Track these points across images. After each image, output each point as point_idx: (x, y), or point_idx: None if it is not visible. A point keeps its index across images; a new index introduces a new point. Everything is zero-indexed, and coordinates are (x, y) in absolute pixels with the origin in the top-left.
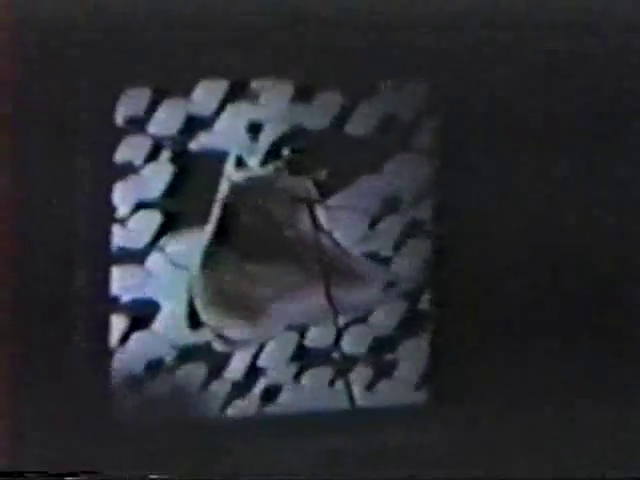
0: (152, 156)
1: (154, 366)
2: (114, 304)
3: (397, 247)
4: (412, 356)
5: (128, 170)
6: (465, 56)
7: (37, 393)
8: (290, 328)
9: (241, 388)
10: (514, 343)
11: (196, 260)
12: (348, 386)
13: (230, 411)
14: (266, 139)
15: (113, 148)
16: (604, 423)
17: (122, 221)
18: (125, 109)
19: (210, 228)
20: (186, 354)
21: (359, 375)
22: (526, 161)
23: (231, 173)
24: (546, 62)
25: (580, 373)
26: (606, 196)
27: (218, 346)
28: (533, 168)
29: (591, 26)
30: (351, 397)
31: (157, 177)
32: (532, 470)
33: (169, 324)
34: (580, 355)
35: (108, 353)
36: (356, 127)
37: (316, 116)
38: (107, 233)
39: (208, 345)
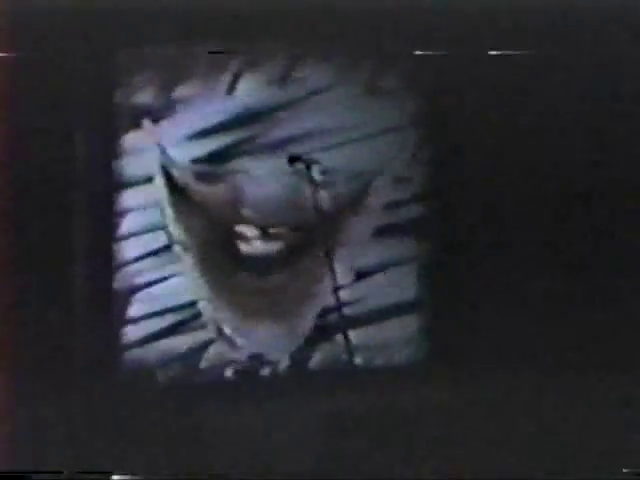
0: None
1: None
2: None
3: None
4: (411, 317)
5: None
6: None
7: (37, 394)
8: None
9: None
10: (514, 301)
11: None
12: (348, 346)
13: (229, 373)
14: None
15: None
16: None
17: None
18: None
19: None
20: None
21: (359, 336)
22: None
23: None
24: None
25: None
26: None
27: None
28: None
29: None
30: (351, 357)
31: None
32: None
33: None
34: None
35: (110, 352)
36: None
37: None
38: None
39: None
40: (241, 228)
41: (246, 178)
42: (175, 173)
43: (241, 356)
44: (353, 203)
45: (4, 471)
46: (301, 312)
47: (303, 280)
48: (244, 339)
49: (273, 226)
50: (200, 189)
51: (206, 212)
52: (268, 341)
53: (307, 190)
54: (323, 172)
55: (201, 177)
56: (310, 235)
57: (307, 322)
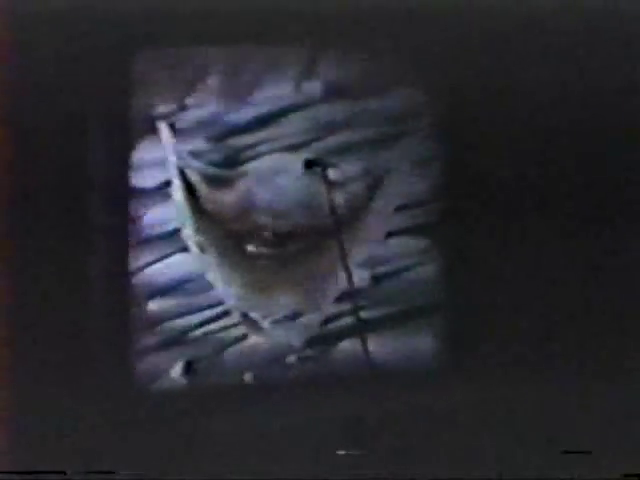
0: None
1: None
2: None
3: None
4: (431, 318)
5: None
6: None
7: (37, 393)
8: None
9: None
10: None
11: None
12: (366, 350)
13: (247, 377)
14: None
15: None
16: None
17: None
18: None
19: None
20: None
21: (377, 339)
22: None
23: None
24: None
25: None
26: None
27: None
28: None
29: None
30: (369, 361)
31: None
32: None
33: None
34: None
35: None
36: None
37: None
38: None
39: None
40: (256, 231)
41: (262, 180)
42: (191, 176)
43: (267, 341)
44: (369, 205)
45: (4, 471)
46: (319, 304)
47: (320, 281)
48: (271, 327)
49: (288, 229)
50: (216, 191)
51: (221, 214)
52: (292, 332)
53: (323, 193)
54: (339, 175)
55: (217, 179)
56: (326, 237)
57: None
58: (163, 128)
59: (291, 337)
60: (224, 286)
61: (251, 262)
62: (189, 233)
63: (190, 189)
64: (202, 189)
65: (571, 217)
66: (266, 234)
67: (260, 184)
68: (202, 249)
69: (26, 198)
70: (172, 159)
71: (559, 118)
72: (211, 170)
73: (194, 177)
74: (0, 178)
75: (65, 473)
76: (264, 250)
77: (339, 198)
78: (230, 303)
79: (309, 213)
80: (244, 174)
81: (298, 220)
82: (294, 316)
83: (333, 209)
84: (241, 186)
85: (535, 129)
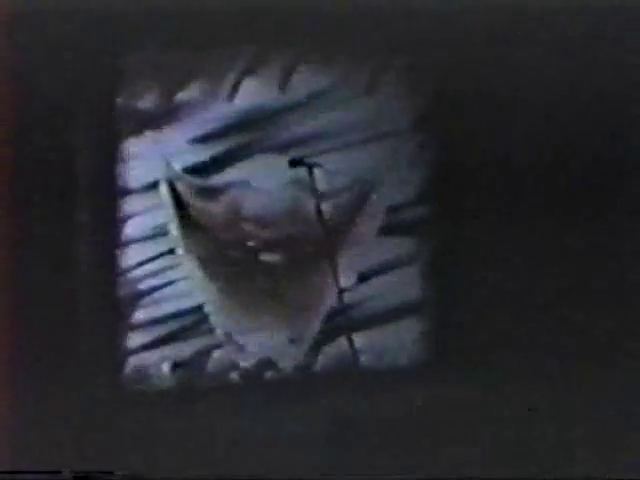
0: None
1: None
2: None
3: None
4: (415, 318)
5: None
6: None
7: (37, 393)
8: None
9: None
10: (519, 304)
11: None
12: (352, 347)
13: (232, 376)
14: None
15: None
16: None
17: None
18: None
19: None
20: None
21: (363, 338)
22: None
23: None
24: None
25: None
26: None
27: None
28: None
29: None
30: (355, 360)
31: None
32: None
33: None
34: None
35: (112, 351)
36: None
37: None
38: None
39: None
40: (243, 238)
41: (247, 185)
42: (177, 181)
43: (249, 361)
44: (355, 206)
45: (4, 471)
46: (307, 316)
47: (308, 284)
48: (251, 344)
49: (275, 233)
50: (202, 200)
51: (208, 222)
52: (275, 346)
53: (308, 194)
54: (325, 175)
55: (203, 187)
56: (313, 239)
57: (314, 325)
58: (149, 131)
59: (275, 356)
60: (205, 295)
61: (236, 272)
62: (174, 237)
63: (175, 193)
64: (187, 194)
65: (558, 214)
66: (252, 243)
67: (246, 189)
68: (187, 254)
69: (12, 198)
70: (157, 162)
71: (549, 118)
72: (196, 176)
73: (179, 182)
74: None
75: (60, 472)
76: (251, 260)
77: (327, 201)
78: (210, 312)
79: (296, 219)
80: (230, 181)
81: (285, 228)
82: (281, 336)
83: (320, 212)
84: (227, 192)
85: (524, 129)
